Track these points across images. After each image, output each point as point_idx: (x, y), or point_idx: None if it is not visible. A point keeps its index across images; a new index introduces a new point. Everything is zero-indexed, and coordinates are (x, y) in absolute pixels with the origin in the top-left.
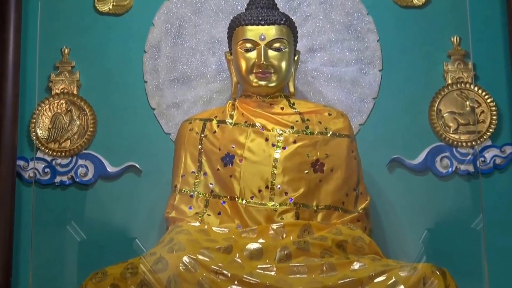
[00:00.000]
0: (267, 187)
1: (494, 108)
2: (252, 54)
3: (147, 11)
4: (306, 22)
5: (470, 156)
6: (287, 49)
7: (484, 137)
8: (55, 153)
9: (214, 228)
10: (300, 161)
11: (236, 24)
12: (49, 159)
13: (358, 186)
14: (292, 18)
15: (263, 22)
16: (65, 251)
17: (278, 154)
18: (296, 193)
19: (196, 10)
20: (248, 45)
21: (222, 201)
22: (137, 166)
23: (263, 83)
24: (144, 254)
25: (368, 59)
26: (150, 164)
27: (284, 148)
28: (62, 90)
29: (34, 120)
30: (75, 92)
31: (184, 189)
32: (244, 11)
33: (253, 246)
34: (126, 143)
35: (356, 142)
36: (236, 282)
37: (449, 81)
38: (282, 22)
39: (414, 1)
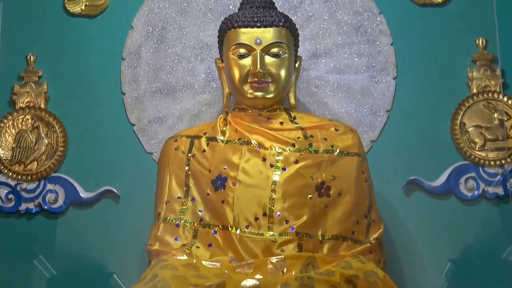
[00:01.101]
0: (265, 214)
1: None
2: (247, 61)
3: (125, 12)
4: (309, 23)
5: (499, 177)
6: (286, 54)
7: None
8: (19, 177)
9: (204, 262)
10: (302, 184)
11: (227, 26)
12: (13, 183)
13: (370, 213)
14: (293, 18)
15: (258, 24)
16: None
17: (277, 176)
18: (299, 221)
19: (182, 10)
20: (242, 51)
21: (213, 231)
22: (115, 191)
23: (259, 94)
24: None
25: (380, 65)
26: (130, 188)
27: (284, 169)
28: (27, 104)
29: None
30: (42, 106)
31: (169, 217)
32: (237, 11)
33: (249, 283)
34: (102, 165)
35: (367, 161)
36: None
37: (474, 90)
38: (281, 23)
39: None
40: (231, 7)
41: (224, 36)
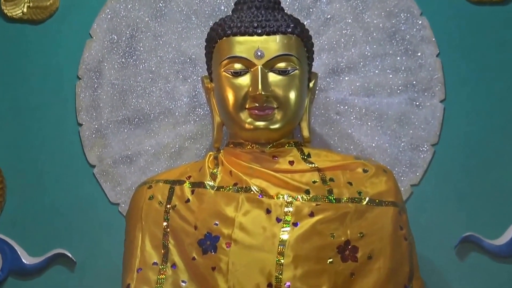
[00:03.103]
0: (270, 285)
1: None
2: (244, 80)
3: (82, 15)
4: (327, 28)
5: None
6: (297, 71)
7: None
8: None
9: None
10: (320, 245)
11: (218, 34)
12: None
13: (412, 282)
14: (305, 22)
15: (260, 30)
16: None
17: (286, 234)
18: None
19: (157, 12)
20: (238, 66)
21: None
22: (69, 255)
23: (261, 124)
24: None
25: (423, 83)
26: (89, 252)
27: (295, 224)
28: None
29: None
30: None
31: None
32: (230, 13)
33: None
34: (52, 221)
35: (406, 213)
36: None
37: None
38: (290, 29)
39: None
40: (222, 7)
41: (213, 47)
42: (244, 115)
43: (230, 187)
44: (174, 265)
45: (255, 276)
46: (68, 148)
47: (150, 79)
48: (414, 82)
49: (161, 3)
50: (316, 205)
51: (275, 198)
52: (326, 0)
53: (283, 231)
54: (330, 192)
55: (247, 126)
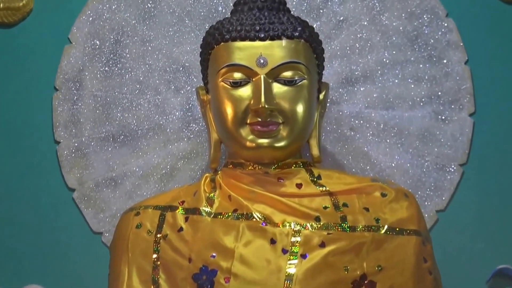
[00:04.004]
0: None
1: None
2: (245, 92)
3: (59, 17)
4: (339, 32)
5: None
6: (305, 80)
7: None
8: None
9: None
10: (333, 280)
11: (215, 39)
12: None
13: None
14: (314, 25)
15: (262, 35)
16: None
17: (293, 267)
18: None
19: (145, 13)
20: (238, 76)
21: None
22: None
23: (264, 142)
24: None
25: (449, 94)
26: (67, 287)
27: (304, 256)
28: None
29: None
30: None
31: None
32: (229, 15)
33: None
34: (26, 253)
35: (431, 243)
36: None
37: None
38: (297, 33)
39: None
40: (219, 8)
41: (210, 53)
42: (245, 132)
43: (229, 213)
44: None
45: None
46: (44, 170)
47: (138, 91)
48: (440, 93)
49: (150, 3)
50: (328, 234)
51: (280, 226)
52: (338, 0)
53: (289, 264)
54: (344, 219)
55: (248, 144)
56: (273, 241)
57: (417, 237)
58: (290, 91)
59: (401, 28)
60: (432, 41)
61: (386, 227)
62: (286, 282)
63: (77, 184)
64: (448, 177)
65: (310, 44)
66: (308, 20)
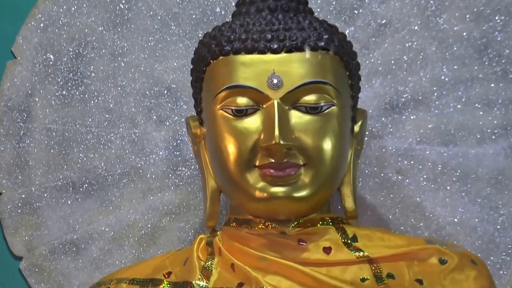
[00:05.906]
0: None
1: None
2: (253, 123)
3: (2, 25)
4: (381, 40)
5: None
6: (335, 107)
7: None
8: None
9: None
10: None
11: (212, 52)
12: None
13: None
14: (346, 32)
15: (276, 45)
16: None
17: None
18: None
19: (116, 17)
20: (243, 101)
21: None
22: None
23: (280, 191)
24: None
25: None
26: None
27: None
28: None
29: None
30: None
31: None
32: (230, 18)
33: None
34: None
35: None
36: None
37: None
38: (323, 43)
39: None
40: (217, 9)
41: (204, 71)
42: (253, 177)
43: None
44: None
45: None
46: None
47: (107, 122)
48: None
49: (123, 3)
50: None
51: None
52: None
53: None
54: None
55: (258, 193)
56: None
57: None
58: (314, 121)
59: (465, 34)
60: (507, 51)
61: None
62: None
63: (25, 250)
64: None
65: (341, 58)
66: (338, 25)
